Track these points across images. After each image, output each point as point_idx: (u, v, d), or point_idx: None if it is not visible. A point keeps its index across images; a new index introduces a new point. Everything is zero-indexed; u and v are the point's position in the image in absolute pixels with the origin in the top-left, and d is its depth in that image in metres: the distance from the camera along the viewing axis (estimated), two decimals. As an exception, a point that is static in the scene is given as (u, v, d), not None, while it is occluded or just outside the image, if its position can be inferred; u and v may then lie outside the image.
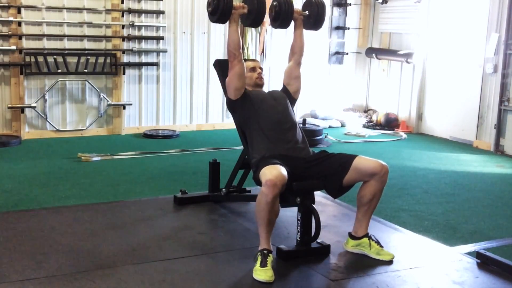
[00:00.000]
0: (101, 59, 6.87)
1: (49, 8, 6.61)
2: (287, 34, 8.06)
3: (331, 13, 8.39)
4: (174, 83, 7.47)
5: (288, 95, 3.67)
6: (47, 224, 3.65)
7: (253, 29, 7.69)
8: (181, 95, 7.53)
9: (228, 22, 3.41)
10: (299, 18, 3.69)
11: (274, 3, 3.59)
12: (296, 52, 3.71)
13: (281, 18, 3.58)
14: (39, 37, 6.60)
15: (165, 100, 7.45)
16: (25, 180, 4.93)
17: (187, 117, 7.62)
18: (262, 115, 3.45)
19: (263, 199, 2.96)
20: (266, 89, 3.78)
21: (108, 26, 6.93)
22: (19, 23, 6.49)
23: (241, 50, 3.47)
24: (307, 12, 3.70)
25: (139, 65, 7.19)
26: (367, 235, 3.30)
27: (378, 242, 3.28)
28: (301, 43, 3.71)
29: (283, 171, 3.05)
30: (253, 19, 3.46)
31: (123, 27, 6.99)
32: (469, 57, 7.30)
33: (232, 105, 3.55)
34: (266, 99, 3.54)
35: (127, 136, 7.08)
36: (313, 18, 3.70)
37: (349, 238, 3.37)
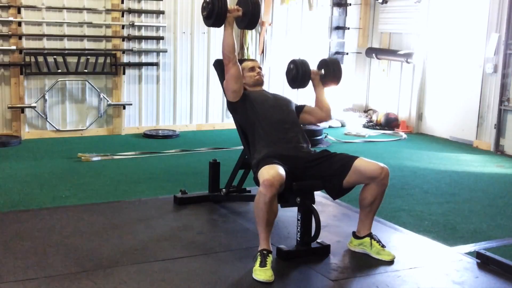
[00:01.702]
0: (101, 59, 6.87)
1: (49, 8, 6.61)
2: (287, 34, 8.07)
3: (331, 13, 8.38)
4: (174, 83, 7.47)
5: (298, 112, 3.68)
6: (47, 224, 3.65)
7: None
8: (181, 95, 7.53)
9: (223, 25, 3.42)
10: (316, 78, 3.73)
11: (291, 66, 3.71)
12: (323, 111, 3.73)
13: (299, 81, 3.71)
14: (39, 37, 6.60)
15: (165, 100, 7.45)
16: (25, 180, 4.93)
17: (187, 117, 7.62)
18: (263, 115, 3.45)
19: (261, 199, 2.96)
20: (266, 89, 3.78)
21: (108, 26, 6.93)
22: (19, 23, 6.49)
23: (236, 53, 3.47)
24: (322, 71, 3.75)
25: (139, 65, 7.19)
26: (369, 235, 3.31)
27: (379, 242, 3.29)
28: (326, 104, 3.72)
29: (281, 170, 3.05)
30: (248, 22, 3.48)
31: (123, 27, 6.99)
32: (469, 57, 7.30)
33: (233, 107, 3.57)
34: (267, 100, 3.55)
35: (127, 136, 7.08)
36: (331, 76, 3.73)
37: (352, 237, 3.38)
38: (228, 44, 3.41)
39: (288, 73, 3.76)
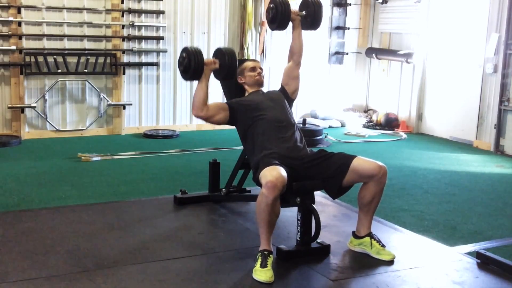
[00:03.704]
0: (101, 59, 6.87)
1: (49, 8, 6.61)
2: (287, 34, 8.01)
3: (331, 13, 8.38)
4: (174, 83, 7.47)
5: (286, 95, 3.68)
6: (47, 224, 3.65)
7: (253, 29, 7.70)
8: (181, 95, 7.53)
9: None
10: (296, 19, 3.70)
11: (271, 5, 3.63)
12: (295, 53, 3.72)
13: (279, 20, 3.62)
14: (39, 37, 6.60)
15: (165, 100, 7.45)
16: (25, 180, 4.93)
17: (187, 117, 7.62)
18: (260, 118, 3.44)
19: (264, 201, 2.96)
20: (265, 89, 3.78)
21: (108, 26, 6.93)
22: (19, 23, 6.49)
23: (206, 104, 3.42)
24: (304, 12, 3.71)
25: (139, 65, 7.19)
26: (369, 235, 3.31)
27: (379, 242, 3.29)
28: (300, 44, 3.72)
29: (283, 172, 3.05)
30: (225, 74, 3.52)
31: (123, 27, 6.99)
32: (469, 57, 7.30)
33: (229, 123, 3.57)
34: (262, 102, 3.54)
35: (127, 136, 7.08)
36: (310, 18, 3.71)
37: (352, 237, 3.38)
38: (199, 98, 3.39)
39: (268, 12, 3.66)
